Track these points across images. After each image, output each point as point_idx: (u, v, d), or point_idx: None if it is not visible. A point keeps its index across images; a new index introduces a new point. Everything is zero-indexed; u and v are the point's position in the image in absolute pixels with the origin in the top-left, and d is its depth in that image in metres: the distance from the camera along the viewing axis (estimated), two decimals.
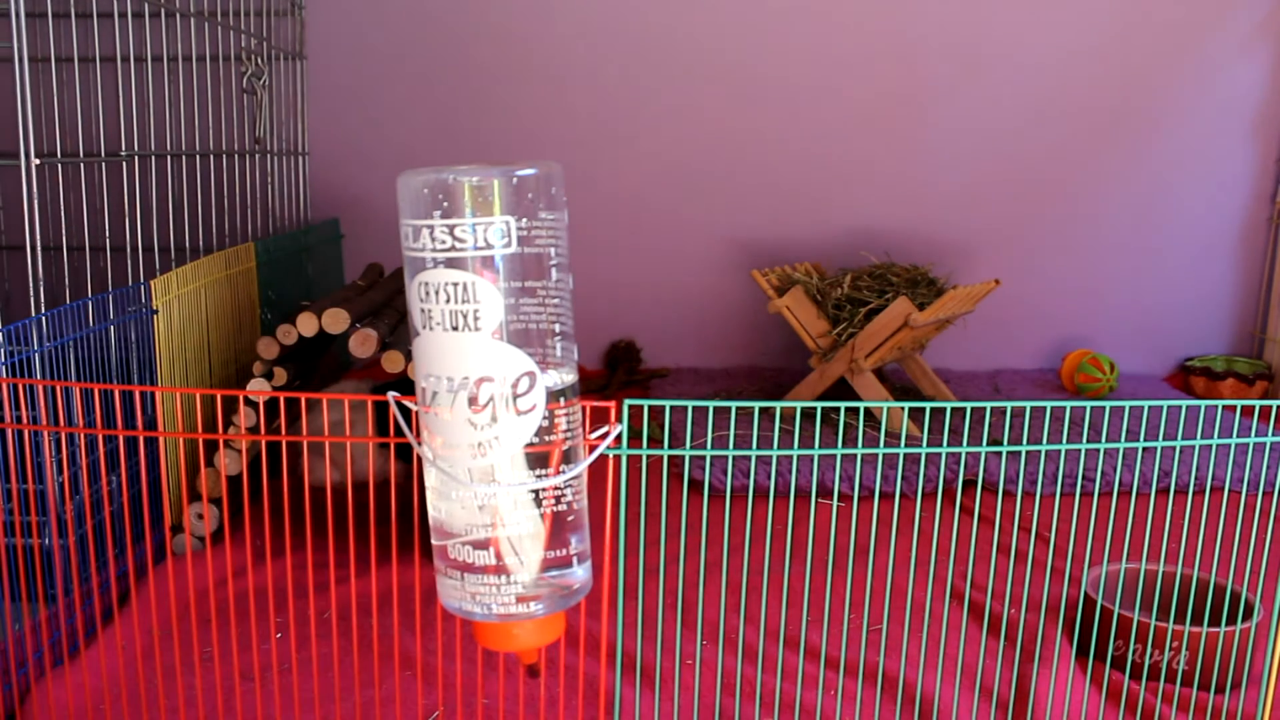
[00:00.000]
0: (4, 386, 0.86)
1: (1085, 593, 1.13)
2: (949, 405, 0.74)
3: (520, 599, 0.71)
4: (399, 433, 0.75)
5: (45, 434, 1.12)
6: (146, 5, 1.74)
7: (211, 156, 1.96)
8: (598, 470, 0.76)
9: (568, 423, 0.70)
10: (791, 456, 0.76)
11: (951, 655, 1.10)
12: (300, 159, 2.26)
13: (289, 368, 1.40)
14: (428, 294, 0.67)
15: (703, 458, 1.66)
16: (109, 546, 0.93)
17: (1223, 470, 1.67)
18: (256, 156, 2.07)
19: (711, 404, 0.75)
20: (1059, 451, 1.53)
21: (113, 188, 1.58)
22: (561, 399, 0.70)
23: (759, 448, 0.77)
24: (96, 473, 1.28)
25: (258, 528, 1.42)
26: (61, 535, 1.20)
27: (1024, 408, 0.78)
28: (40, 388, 0.85)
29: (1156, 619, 1.07)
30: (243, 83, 1.98)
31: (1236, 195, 2.41)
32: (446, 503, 0.70)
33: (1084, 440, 0.81)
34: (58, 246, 1.51)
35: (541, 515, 0.70)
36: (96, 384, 0.83)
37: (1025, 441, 0.79)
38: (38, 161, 1.27)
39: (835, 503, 1.53)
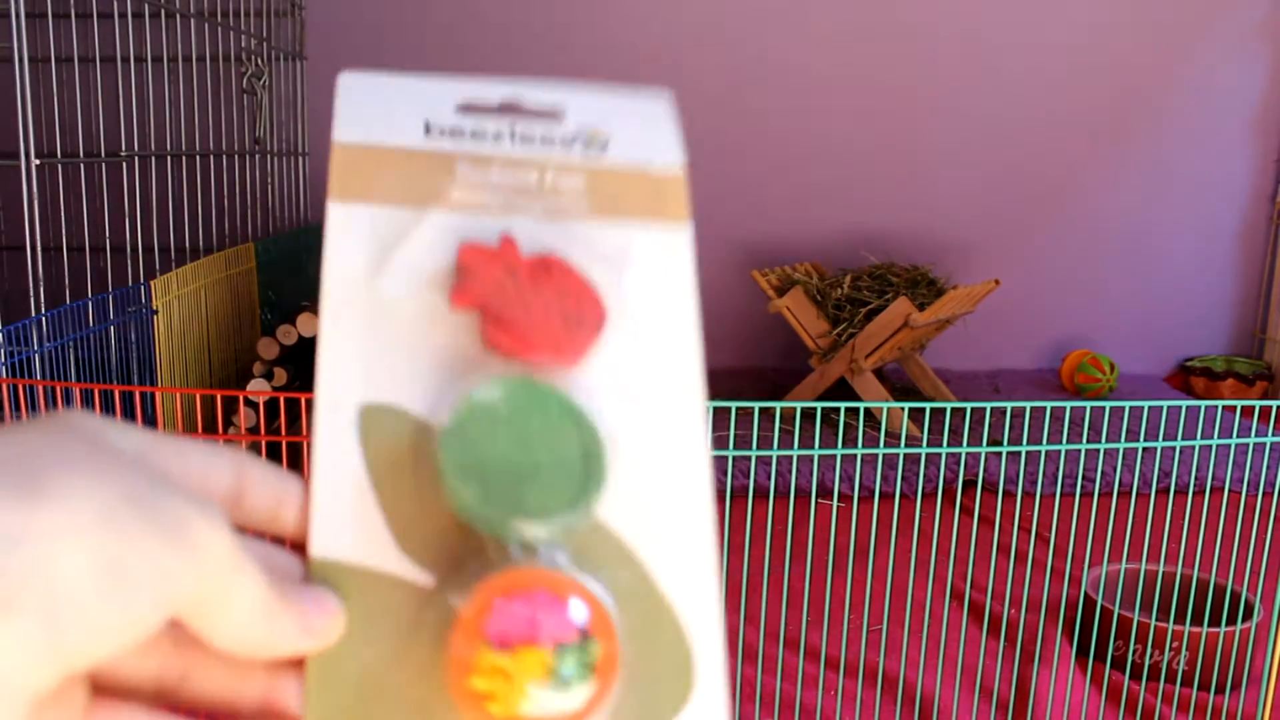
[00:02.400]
0: (4, 387, 0.86)
1: (1085, 593, 1.13)
2: (949, 405, 0.74)
3: None
4: None
5: None
6: (146, 5, 1.74)
7: (211, 156, 1.96)
8: None
9: None
10: (791, 457, 0.76)
11: (951, 655, 1.10)
12: (300, 159, 2.26)
13: (289, 368, 1.40)
14: None
15: None
16: None
17: (1223, 470, 1.67)
18: (256, 156, 2.07)
19: (712, 404, 0.75)
20: (1059, 452, 1.53)
21: (113, 188, 1.58)
22: None
23: (759, 448, 0.77)
24: None
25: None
26: None
27: (1024, 408, 0.78)
28: (40, 388, 0.85)
29: (1156, 619, 1.07)
30: (243, 83, 1.98)
31: (1236, 195, 2.41)
32: None
33: (1084, 440, 0.81)
34: (58, 247, 1.51)
35: None
36: (96, 384, 0.83)
37: (1025, 442, 0.79)
38: (38, 162, 1.27)
39: (835, 503, 1.53)
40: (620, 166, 0.32)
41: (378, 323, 0.31)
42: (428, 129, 0.31)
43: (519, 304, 0.30)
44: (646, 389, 0.31)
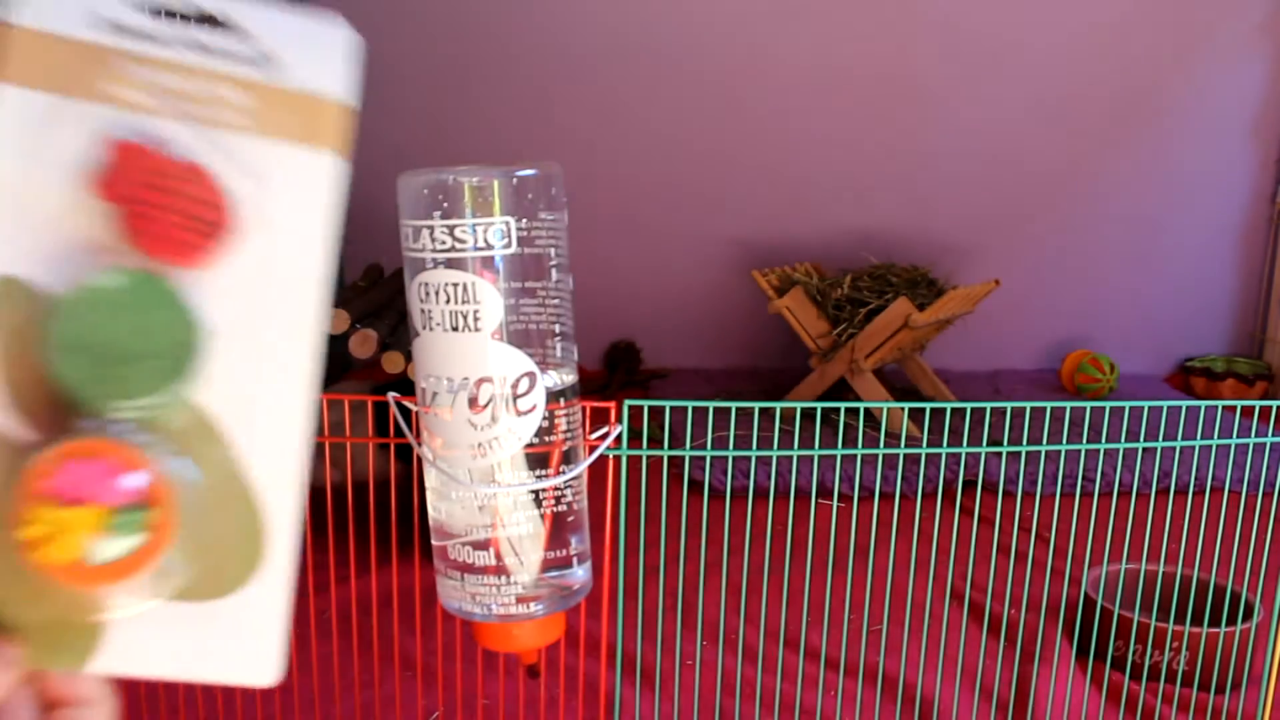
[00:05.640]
0: None
1: (1085, 593, 1.13)
2: (949, 405, 0.74)
3: (520, 599, 0.70)
4: (399, 433, 0.75)
5: None
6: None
7: None
8: (598, 471, 0.76)
9: (568, 423, 0.70)
10: (791, 457, 0.76)
11: (951, 655, 1.10)
12: None
13: None
14: (427, 294, 0.67)
15: (703, 458, 1.66)
16: None
17: (1223, 470, 1.67)
18: None
19: (711, 404, 0.75)
20: (1059, 452, 1.53)
21: None
22: (561, 399, 0.70)
23: (759, 448, 0.77)
24: None
25: None
26: None
27: (1024, 408, 0.78)
28: None
29: (1156, 619, 1.07)
30: None
31: (1236, 195, 2.41)
32: (446, 503, 0.70)
33: (1084, 440, 0.81)
34: None
35: (541, 516, 0.70)
36: None
37: (1025, 442, 0.79)
38: None
39: (835, 503, 1.53)
40: (287, 88, 0.35)
41: (20, 202, 0.34)
42: (94, 20, 0.34)
43: (158, 205, 0.33)
44: (266, 297, 0.35)
